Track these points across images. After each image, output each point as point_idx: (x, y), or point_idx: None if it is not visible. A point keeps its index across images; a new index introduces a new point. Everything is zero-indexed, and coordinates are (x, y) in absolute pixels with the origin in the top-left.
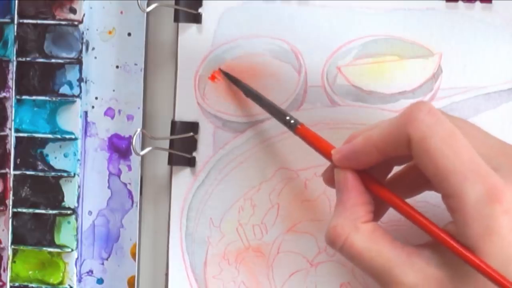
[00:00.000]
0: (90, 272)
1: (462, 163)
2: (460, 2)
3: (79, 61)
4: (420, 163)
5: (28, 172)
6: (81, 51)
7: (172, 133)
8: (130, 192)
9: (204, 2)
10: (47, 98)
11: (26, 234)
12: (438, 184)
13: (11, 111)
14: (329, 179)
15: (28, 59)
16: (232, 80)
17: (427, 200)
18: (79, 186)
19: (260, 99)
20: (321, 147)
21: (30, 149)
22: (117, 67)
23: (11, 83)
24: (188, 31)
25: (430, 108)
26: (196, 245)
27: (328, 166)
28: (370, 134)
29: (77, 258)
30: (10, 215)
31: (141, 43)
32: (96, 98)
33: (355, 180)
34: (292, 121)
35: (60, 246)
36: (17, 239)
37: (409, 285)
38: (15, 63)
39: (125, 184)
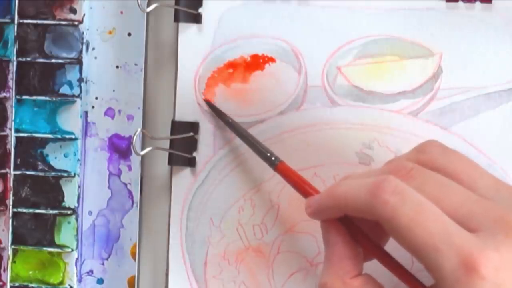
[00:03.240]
0: (90, 272)
1: (432, 236)
2: (460, 2)
3: (79, 61)
4: (394, 238)
5: (28, 172)
6: (81, 51)
7: (172, 133)
8: (130, 192)
9: (204, 2)
10: (47, 98)
11: (26, 234)
12: (415, 258)
13: (11, 111)
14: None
15: (28, 59)
16: (215, 111)
17: None
18: (79, 186)
19: (242, 134)
20: (300, 188)
21: (30, 149)
22: (117, 67)
23: (11, 83)
24: (188, 31)
25: (395, 186)
26: (196, 245)
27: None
28: (338, 197)
29: (77, 258)
30: (10, 215)
31: (141, 43)
32: (96, 98)
33: (339, 234)
34: (273, 158)
35: (60, 246)
36: (17, 239)
37: None
38: (15, 63)
39: (125, 184)
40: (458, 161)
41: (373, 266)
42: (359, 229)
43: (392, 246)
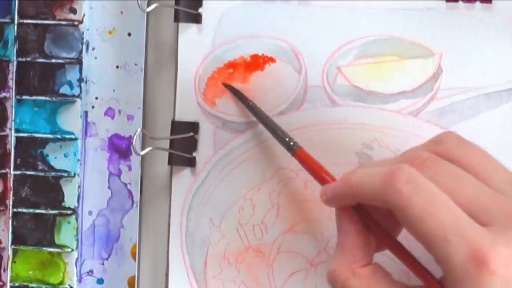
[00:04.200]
0: (90, 272)
1: (443, 227)
2: (460, 2)
3: (79, 61)
4: (405, 227)
5: (28, 172)
6: (81, 51)
7: (172, 133)
8: (130, 192)
9: (204, 2)
10: (47, 98)
11: (26, 234)
12: (425, 248)
13: (11, 111)
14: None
15: (28, 59)
16: (235, 93)
17: None
18: (79, 186)
19: (262, 117)
20: (317, 175)
21: (30, 149)
22: (117, 67)
23: (11, 83)
24: (188, 31)
25: (409, 175)
26: (196, 245)
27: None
28: (352, 185)
29: (77, 258)
30: (10, 215)
31: (141, 43)
32: (96, 98)
33: (352, 222)
34: (291, 143)
35: (60, 246)
36: (17, 239)
37: None
38: (15, 63)
39: (125, 184)
40: (474, 154)
41: (382, 256)
42: (373, 218)
43: (402, 235)
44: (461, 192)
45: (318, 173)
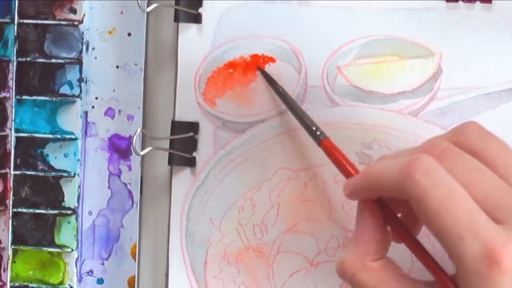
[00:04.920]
0: (90, 272)
1: (459, 223)
2: (460, 2)
3: (79, 61)
4: (420, 219)
5: (28, 172)
6: (81, 51)
7: (172, 133)
8: (130, 192)
9: (204, 2)
10: (47, 98)
11: (26, 234)
12: (439, 242)
13: (11, 111)
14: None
15: (28, 59)
16: (269, 80)
17: None
18: (79, 186)
19: (291, 105)
20: (341, 166)
21: (30, 149)
22: (117, 67)
23: (11, 83)
24: (188, 31)
25: (427, 167)
26: (196, 245)
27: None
28: (372, 178)
29: (77, 258)
30: (10, 215)
31: (141, 43)
32: (96, 98)
33: (372, 216)
34: (318, 133)
35: (60, 246)
36: (17, 239)
37: None
38: (15, 63)
39: (125, 184)
40: (495, 147)
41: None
42: (393, 213)
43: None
44: (478, 187)
45: (343, 165)
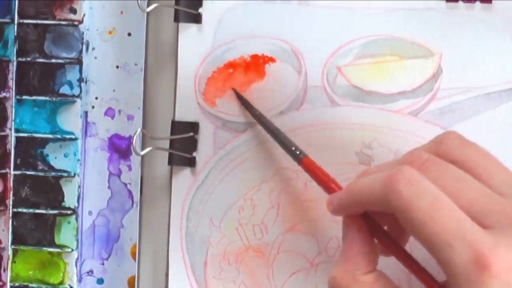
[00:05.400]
0: (90, 272)
1: (446, 231)
2: (460, 2)
3: (79, 61)
4: (407, 230)
5: (28, 172)
6: (81, 51)
7: (172, 133)
8: (130, 192)
9: (204, 2)
10: (47, 98)
11: (26, 234)
12: (427, 250)
13: (11, 111)
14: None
15: (28, 59)
16: (242, 102)
17: None
18: (79, 186)
19: (268, 127)
20: (323, 184)
21: (30, 149)
22: (117, 67)
23: (11, 83)
24: (188, 31)
25: (410, 177)
26: (196, 245)
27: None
28: (356, 193)
29: (77, 258)
30: (10, 215)
31: (141, 43)
32: (96, 98)
33: (358, 230)
34: (297, 152)
35: (60, 246)
36: (17, 239)
37: None
38: (15, 63)
39: (125, 184)
40: (476, 155)
41: (385, 260)
42: (379, 226)
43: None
44: (463, 195)
45: (324, 182)
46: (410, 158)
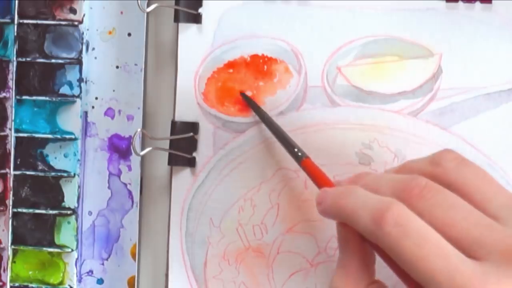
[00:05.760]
0: (90, 272)
1: (434, 270)
2: (460, 2)
3: (79, 61)
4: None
5: (28, 172)
6: (81, 51)
7: (172, 133)
8: (130, 192)
9: (204, 2)
10: (47, 98)
11: (26, 234)
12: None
13: (11, 111)
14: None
15: (28, 59)
16: (251, 105)
17: None
18: (79, 186)
19: (274, 127)
20: (321, 186)
21: (30, 149)
22: (117, 67)
23: (11, 83)
24: (188, 31)
25: (398, 216)
26: (196, 245)
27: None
28: (343, 211)
29: (77, 258)
30: (10, 215)
31: (141, 43)
32: (96, 98)
33: (357, 242)
34: (299, 153)
35: (60, 246)
36: (17, 239)
37: None
38: (15, 63)
39: (125, 184)
40: (473, 177)
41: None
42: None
43: None
44: (456, 226)
45: (323, 185)
46: (407, 185)
